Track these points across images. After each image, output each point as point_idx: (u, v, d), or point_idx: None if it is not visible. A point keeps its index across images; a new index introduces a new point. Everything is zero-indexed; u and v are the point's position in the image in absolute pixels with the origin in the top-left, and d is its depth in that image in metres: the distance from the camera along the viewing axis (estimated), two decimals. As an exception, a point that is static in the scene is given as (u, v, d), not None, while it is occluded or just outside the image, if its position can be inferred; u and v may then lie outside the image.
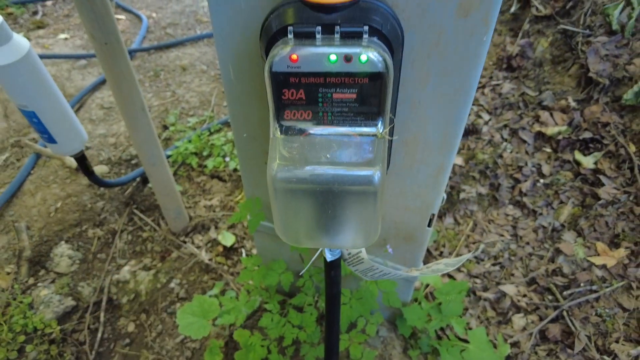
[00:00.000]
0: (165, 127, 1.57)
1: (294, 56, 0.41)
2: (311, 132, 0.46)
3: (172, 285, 1.15)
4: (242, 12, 0.54)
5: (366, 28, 0.39)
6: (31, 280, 1.18)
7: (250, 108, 0.64)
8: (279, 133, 0.45)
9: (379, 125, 0.44)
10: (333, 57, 0.41)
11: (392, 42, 0.41)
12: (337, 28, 0.40)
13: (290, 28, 0.40)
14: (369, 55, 0.39)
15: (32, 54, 0.84)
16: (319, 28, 0.40)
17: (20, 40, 0.83)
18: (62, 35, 2.23)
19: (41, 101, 0.88)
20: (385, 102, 0.43)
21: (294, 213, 0.46)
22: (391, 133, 0.46)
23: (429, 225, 0.68)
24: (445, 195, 0.63)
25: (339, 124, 0.45)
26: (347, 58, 0.40)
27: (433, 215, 0.66)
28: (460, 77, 0.48)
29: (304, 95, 0.44)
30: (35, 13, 2.49)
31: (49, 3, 2.60)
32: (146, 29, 2.18)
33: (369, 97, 0.43)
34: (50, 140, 0.95)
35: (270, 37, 0.42)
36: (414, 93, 0.51)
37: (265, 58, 0.43)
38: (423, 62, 0.48)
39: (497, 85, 1.60)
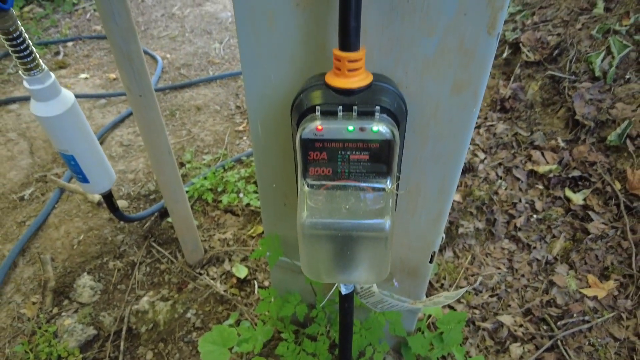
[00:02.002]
0: (182, 164, 1.67)
1: (320, 127, 0.51)
2: (332, 185, 0.55)
3: (188, 315, 1.22)
4: (272, 84, 0.64)
5: (378, 108, 0.50)
6: (55, 310, 1.25)
7: (274, 159, 0.74)
8: (306, 187, 0.55)
9: (388, 182, 0.53)
10: (350, 128, 0.51)
11: (398, 116, 0.52)
12: (355, 108, 0.50)
13: (317, 107, 0.51)
14: (379, 128, 0.50)
15: (76, 106, 0.95)
16: (340, 107, 0.50)
17: (66, 94, 0.94)
18: (83, 75, 2.37)
19: (80, 147, 0.98)
20: (393, 163, 0.52)
21: (317, 254, 0.55)
22: (397, 187, 0.56)
23: (430, 262, 0.77)
24: (444, 235, 0.72)
25: (355, 179, 0.55)
26: (362, 129, 0.51)
27: (434, 252, 0.75)
28: (453, 141, 0.58)
29: (326, 156, 0.54)
30: (57, 53, 2.65)
31: (69, 44, 2.76)
32: (161, 70, 2.32)
33: (379, 158, 0.52)
34: (84, 180, 1.04)
35: (301, 113, 0.52)
36: (415, 152, 0.61)
37: (296, 127, 0.53)
38: (423, 129, 0.58)
39: (492, 125, 1.72)
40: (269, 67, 0.63)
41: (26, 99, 2.08)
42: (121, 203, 1.54)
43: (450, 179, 0.62)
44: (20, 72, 0.86)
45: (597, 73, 1.61)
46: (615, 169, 1.45)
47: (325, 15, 0.54)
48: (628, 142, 1.45)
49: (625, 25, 1.67)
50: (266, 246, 0.83)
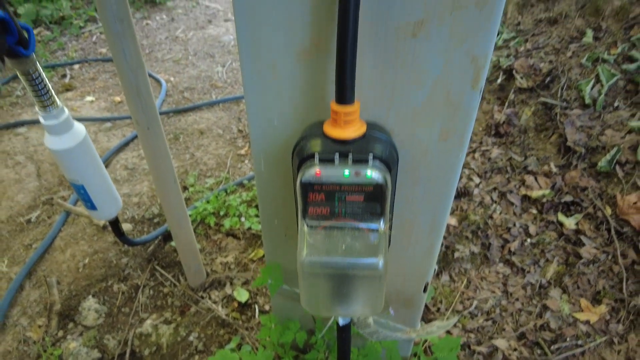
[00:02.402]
0: (185, 188, 1.72)
1: (318, 172, 0.56)
2: (330, 224, 0.60)
3: (191, 338, 1.25)
4: (274, 126, 0.69)
5: (371, 155, 0.54)
6: (61, 333, 1.28)
7: (276, 192, 0.78)
8: (305, 227, 0.59)
9: (381, 222, 0.58)
10: (347, 173, 0.55)
11: (390, 163, 0.56)
12: (350, 156, 0.55)
13: (316, 155, 0.55)
14: (373, 174, 0.54)
15: (87, 138, 1.00)
16: (337, 155, 0.55)
17: (78, 127, 0.99)
18: (89, 98, 2.43)
19: (90, 177, 1.03)
20: (385, 204, 0.57)
21: (316, 290, 0.59)
22: (391, 227, 0.60)
23: (424, 291, 0.80)
24: (436, 267, 0.76)
25: (351, 219, 0.59)
26: (357, 173, 0.55)
27: (427, 283, 0.79)
28: (442, 182, 0.63)
29: (324, 197, 0.58)
30: (64, 76, 2.72)
31: (76, 66, 2.84)
32: (165, 93, 2.39)
33: (373, 199, 0.57)
34: (92, 207, 1.09)
35: (302, 159, 0.57)
36: (407, 192, 0.65)
37: (297, 171, 0.58)
38: (413, 171, 0.63)
39: (487, 150, 1.77)
40: (272, 111, 0.67)
41: (34, 122, 2.13)
42: (125, 226, 1.58)
43: (440, 216, 0.67)
44: (36, 108, 0.90)
45: (587, 100, 1.67)
46: (606, 194, 1.49)
47: (324, 69, 0.59)
48: (617, 168, 1.49)
49: (613, 54, 1.74)
50: (267, 275, 0.87)
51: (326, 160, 0.55)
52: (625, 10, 1.83)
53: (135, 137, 2.01)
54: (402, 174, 0.63)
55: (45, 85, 0.87)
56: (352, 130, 0.55)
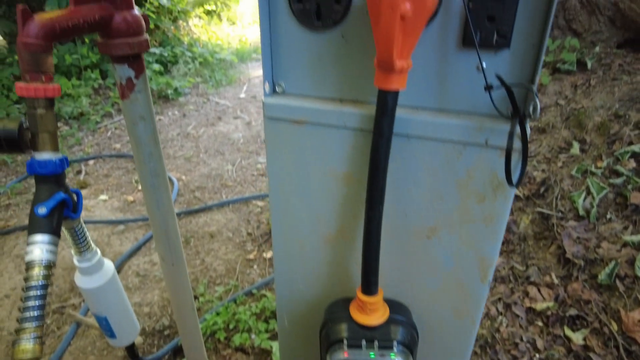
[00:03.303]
0: (196, 297, 1.74)
1: (346, 354, 0.61)
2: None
3: None
4: (300, 291, 0.76)
5: (395, 342, 0.60)
6: None
7: (298, 348, 0.82)
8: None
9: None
10: (372, 354, 0.61)
11: (412, 346, 0.62)
12: (376, 343, 0.60)
13: (345, 340, 0.61)
14: (397, 358, 0.59)
15: (115, 275, 1.05)
16: (364, 341, 0.61)
17: (108, 265, 1.05)
18: (102, 197, 2.53)
19: (114, 310, 1.07)
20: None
21: None
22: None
23: None
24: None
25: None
26: (382, 355, 0.61)
27: None
28: (456, 353, 0.68)
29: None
30: (79, 172, 2.84)
31: (91, 162, 2.98)
32: (177, 193, 2.49)
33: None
34: (111, 335, 1.11)
35: (330, 341, 0.62)
36: (425, 358, 0.70)
37: (325, 352, 0.63)
38: (431, 343, 0.68)
39: (489, 258, 1.82)
40: (298, 277, 0.74)
41: (49, 224, 2.20)
42: (137, 339, 1.58)
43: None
44: (72, 251, 0.97)
45: (581, 212, 1.77)
46: (610, 308, 1.53)
47: (347, 253, 0.67)
48: (618, 282, 1.54)
49: (600, 168, 1.87)
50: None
51: (354, 345, 0.61)
52: (606, 126, 1.99)
53: (147, 241, 2.07)
54: (419, 344, 0.69)
55: (85, 235, 0.94)
56: (377, 317, 0.62)
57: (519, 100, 0.50)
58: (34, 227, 0.74)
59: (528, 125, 0.50)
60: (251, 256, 1.98)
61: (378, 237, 0.58)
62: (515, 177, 0.52)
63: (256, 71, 4.86)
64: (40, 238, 0.73)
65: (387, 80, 0.49)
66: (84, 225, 0.93)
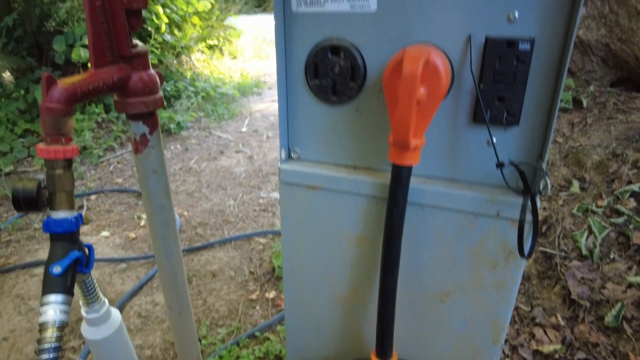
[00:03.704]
0: (199, 340, 1.72)
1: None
2: None
3: None
4: (312, 348, 0.75)
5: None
6: None
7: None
8: None
9: None
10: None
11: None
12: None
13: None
14: None
15: (122, 325, 1.05)
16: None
17: (115, 315, 1.04)
18: (104, 233, 2.52)
19: (119, 357, 1.06)
20: None
21: None
22: None
23: None
24: None
25: None
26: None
27: None
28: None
29: None
30: (81, 207, 2.84)
31: (93, 197, 2.98)
32: (179, 229, 2.49)
33: None
34: (115, 387, 1.09)
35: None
36: None
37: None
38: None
39: (493, 298, 1.81)
40: (310, 336, 0.74)
41: (50, 263, 2.18)
42: (136, 386, 1.55)
43: None
44: (80, 302, 0.97)
45: (584, 252, 1.77)
46: (618, 351, 1.51)
47: (363, 316, 0.68)
48: (625, 324, 1.53)
49: (601, 207, 1.89)
50: None
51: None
52: (604, 165, 2.03)
53: (149, 280, 2.06)
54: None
55: (94, 287, 0.94)
56: (392, 384, 0.62)
57: (530, 176, 0.52)
58: (48, 287, 0.74)
59: (538, 200, 0.52)
60: (253, 296, 1.96)
61: (393, 303, 0.59)
62: (526, 249, 0.54)
63: (257, 105, 4.94)
64: (54, 298, 0.73)
65: (402, 156, 0.51)
66: (93, 277, 0.94)
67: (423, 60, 0.44)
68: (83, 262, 0.80)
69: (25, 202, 0.76)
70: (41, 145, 0.74)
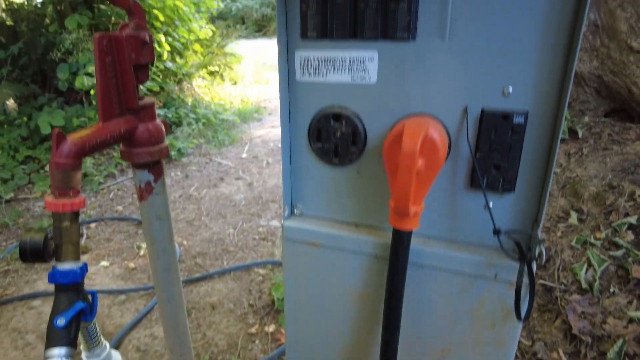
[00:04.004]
0: (197, 377, 1.70)
1: None
2: None
3: None
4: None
5: None
6: None
7: None
8: None
9: None
10: None
11: None
12: None
13: None
14: None
15: (121, 367, 1.04)
16: None
17: (115, 356, 1.04)
18: (103, 263, 2.52)
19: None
20: None
21: None
22: None
23: None
24: None
25: None
26: None
27: None
28: None
29: None
30: (80, 236, 2.84)
31: (92, 225, 2.98)
32: (179, 258, 2.49)
33: None
34: None
35: None
36: None
37: None
38: None
39: (494, 332, 1.81)
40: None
41: (50, 295, 2.18)
42: None
43: None
44: (81, 346, 0.97)
45: (584, 285, 1.77)
46: (621, 389, 1.50)
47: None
48: (626, 361, 1.52)
49: (599, 239, 1.90)
50: None
51: None
52: (601, 197, 2.05)
53: (148, 312, 2.05)
54: None
55: (96, 333, 0.95)
56: None
57: (526, 241, 0.54)
58: (51, 340, 0.75)
59: (535, 265, 0.53)
60: (253, 330, 1.95)
61: (394, 358, 0.60)
62: (523, 311, 0.55)
63: (257, 131, 4.99)
64: (57, 352, 0.74)
65: (402, 222, 0.53)
66: (96, 323, 0.94)
67: (422, 136, 0.47)
68: (87, 312, 0.81)
69: (32, 254, 0.77)
70: (49, 199, 0.76)
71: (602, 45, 2.64)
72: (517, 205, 0.54)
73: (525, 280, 0.53)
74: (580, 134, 2.56)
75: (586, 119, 2.69)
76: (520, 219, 0.54)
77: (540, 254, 0.51)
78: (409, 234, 0.54)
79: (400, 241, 0.54)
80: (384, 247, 0.60)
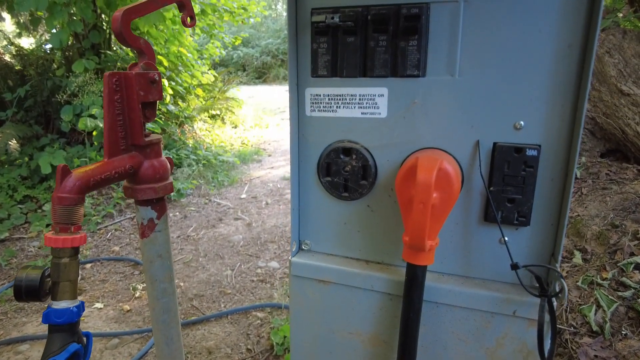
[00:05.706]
0: None
1: None
2: None
3: None
4: None
5: None
6: None
7: None
8: None
9: None
10: None
11: None
12: None
13: None
14: None
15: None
16: None
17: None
18: (97, 305, 2.43)
19: None
20: None
21: None
22: None
23: None
24: None
25: None
26: None
27: None
28: None
29: None
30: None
31: (88, 265, 2.91)
32: (175, 301, 2.41)
33: None
34: None
35: None
36: None
37: None
38: None
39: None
40: None
41: (39, 338, 2.09)
42: None
43: None
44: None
45: (595, 327, 1.72)
46: None
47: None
48: (645, 410, 1.45)
49: (606, 279, 1.86)
50: None
51: None
52: (605, 236, 2.03)
53: (143, 356, 1.96)
54: None
55: (89, 379, 0.89)
56: None
57: (544, 276, 0.52)
58: (42, 386, 0.70)
59: (555, 302, 0.51)
60: (252, 377, 1.86)
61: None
62: (546, 350, 0.52)
63: (257, 172, 5.01)
64: (48, 399, 0.69)
65: (417, 257, 0.51)
66: (89, 367, 0.89)
67: (436, 168, 0.46)
68: (81, 355, 0.77)
69: (27, 292, 0.74)
70: (49, 234, 0.74)
71: (593, 89, 2.72)
72: (532, 240, 0.53)
73: (547, 317, 0.51)
74: (578, 174, 2.58)
75: (583, 159, 2.72)
76: (536, 253, 0.53)
77: (561, 289, 0.49)
78: (424, 269, 0.52)
79: (415, 277, 0.52)
80: (397, 285, 0.58)
